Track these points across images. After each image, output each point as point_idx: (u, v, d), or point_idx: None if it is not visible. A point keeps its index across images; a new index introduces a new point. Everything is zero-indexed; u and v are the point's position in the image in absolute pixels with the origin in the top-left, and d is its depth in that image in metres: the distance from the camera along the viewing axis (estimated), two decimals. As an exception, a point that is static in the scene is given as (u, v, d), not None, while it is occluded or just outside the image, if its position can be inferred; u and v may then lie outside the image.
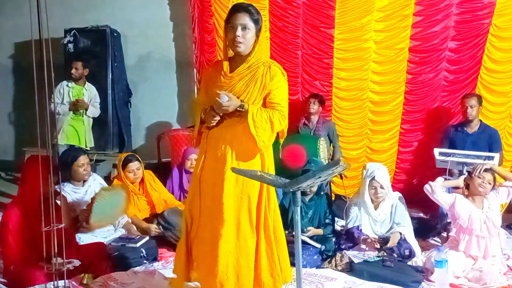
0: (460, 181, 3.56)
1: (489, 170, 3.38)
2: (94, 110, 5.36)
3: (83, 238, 3.49)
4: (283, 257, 2.66)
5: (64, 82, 5.26)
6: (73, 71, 5.23)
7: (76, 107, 5.17)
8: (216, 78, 2.54)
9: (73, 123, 5.23)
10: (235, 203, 2.50)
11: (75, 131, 5.26)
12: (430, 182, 3.46)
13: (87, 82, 5.35)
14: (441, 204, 3.44)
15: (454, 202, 3.33)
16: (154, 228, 3.86)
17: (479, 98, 4.47)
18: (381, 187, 3.60)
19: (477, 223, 3.24)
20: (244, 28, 2.41)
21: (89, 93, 5.32)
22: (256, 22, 2.44)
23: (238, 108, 2.42)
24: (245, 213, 2.51)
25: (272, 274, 2.59)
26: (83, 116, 5.27)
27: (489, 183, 3.34)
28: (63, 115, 5.15)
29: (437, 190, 3.40)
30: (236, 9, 2.44)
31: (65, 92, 5.23)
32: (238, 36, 2.40)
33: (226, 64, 2.52)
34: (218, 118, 2.48)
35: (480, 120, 4.51)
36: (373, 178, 3.60)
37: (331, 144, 4.97)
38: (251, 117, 2.40)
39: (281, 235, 2.65)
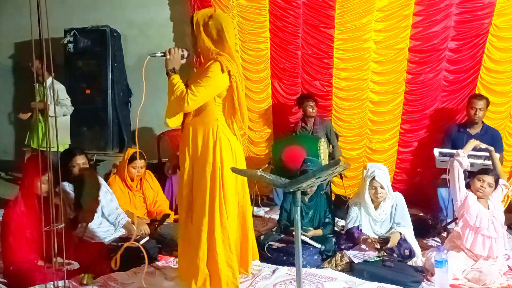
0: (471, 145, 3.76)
1: (491, 172, 3.35)
2: (57, 109, 4.95)
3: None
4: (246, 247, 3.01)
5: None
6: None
7: (32, 109, 4.98)
8: None
9: (34, 125, 5.08)
10: (196, 192, 2.77)
11: (36, 134, 5.11)
12: (457, 159, 3.47)
13: (49, 79, 4.93)
14: (457, 186, 3.39)
15: (467, 195, 3.32)
16: (145, 229, 3.84)
17: (487, 101, 4.44)
18: (381, 187, 3.59)
19: (485, 222, 3.23)
20: (190, 37, 2.79)
21: (52, 90, 4.95)
22: (192, 24, 2.72)
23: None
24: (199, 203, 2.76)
25: (229, 263, 2.76)
26: (44, 117, 4.91)
27: (489, 186, 3.31)
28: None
29: (461, 174, 3.40)
30: None
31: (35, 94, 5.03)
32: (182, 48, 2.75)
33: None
34: None
35: (483, 122, 4.50)
36: (373, 178, 3.60)
37: (330, 143, 4.96)
38: (169, 83, 2.69)
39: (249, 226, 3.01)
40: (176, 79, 2.67)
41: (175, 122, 2.75)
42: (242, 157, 2.87)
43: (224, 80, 2.66)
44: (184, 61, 2.74)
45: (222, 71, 2.62)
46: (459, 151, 3.57)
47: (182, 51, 2.70)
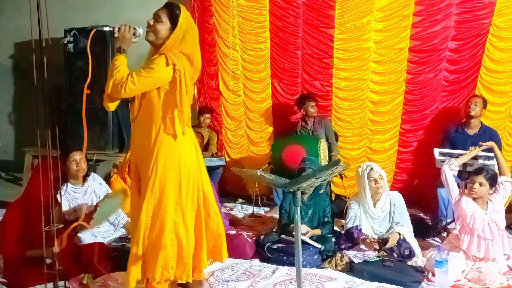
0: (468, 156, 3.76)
1: (482, 172, 3.30)
2: None
3: (83, 238, 3.48)
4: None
5: None
6: None
7: None
8: None
9: None
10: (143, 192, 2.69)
11: None
12: (445, 167, 3.49)
13: None
14: (448, 189, 3.41)
15: (460, 198, 3.31)
16: None
17: (485, 101, 4.48)
18: (381, 178, 3.62)
19: (479, 223, 3.21)
20: (157, 20, 2.62)
21: None
22: (173, 19, 2.61)
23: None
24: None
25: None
26: None
27: (482, 185, 3.25)
28: None
29: (450, 177, 3.41)
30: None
31: None
32: (148, 23, 2.64)
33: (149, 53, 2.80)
34: None
35: (481, 122, 4.50)
36: (371, 169, 3.64)
37: (327, 141, 4.94)
38: (111, 63, 2.61)
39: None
40: (120, 60, 2.60)
41: (114, 106, 2.66)
42: (191, 153, 2.71)
43: (167, 74, 2.58)
44: (136, 40, 2.69)
45: (167, 64, 2.56)
46: (453, 161, 3.57)
47: (134, 29, 2.65)
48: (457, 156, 3.81)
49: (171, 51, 2.59)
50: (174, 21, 2.60)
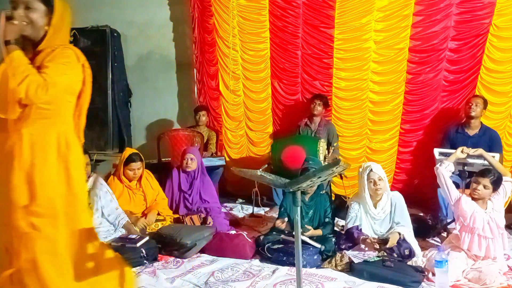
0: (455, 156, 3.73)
1: (488, 174, 3.30)
2: None
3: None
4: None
5: None
6: None
7: None
8: None
9: None
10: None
11: None
12: (440, 168, 3.46)
13: None
14: (446, 191, 3.40)
15: (460, 198, 3.32)
16: (143, 221, 3.95)
17: (485, 101, 4.48)
18: (380, 179, 3.61)
19: (480, 222, 3.22)
20: (27, 7, 2.02)
21: None
22: (47, 1, 2.07)
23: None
24: None
25: None
26: None
27: (485, 188, 3.26)
28: None
29: (447, 179, 3.40)
30: None
31: None
32: (18, 14, 2.00)
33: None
34: None
35: (481, 122, 4.50)
36: (371, 171, 3.63)
37: (330, 145, 4.95)
38: (14, 60, 1.92)
39: None
40: (24, 58, 1.96)
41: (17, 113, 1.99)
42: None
43: (80, 73, 2.15)
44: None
45: (78, 60, 2.11)
46: (444, 161, 3.58)
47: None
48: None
49: (54, 43, 2.08)
50: (48, 3, 2.07)
